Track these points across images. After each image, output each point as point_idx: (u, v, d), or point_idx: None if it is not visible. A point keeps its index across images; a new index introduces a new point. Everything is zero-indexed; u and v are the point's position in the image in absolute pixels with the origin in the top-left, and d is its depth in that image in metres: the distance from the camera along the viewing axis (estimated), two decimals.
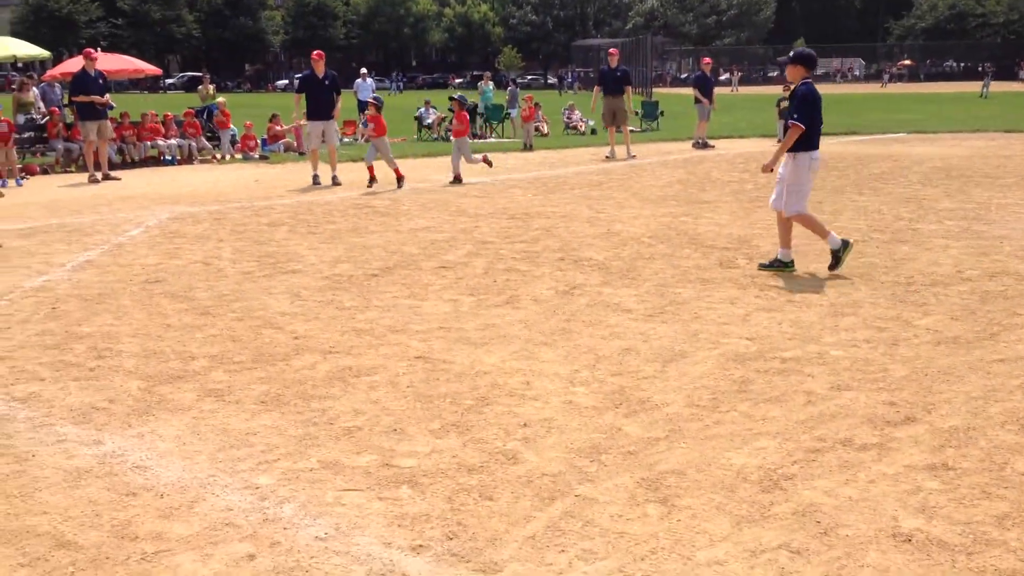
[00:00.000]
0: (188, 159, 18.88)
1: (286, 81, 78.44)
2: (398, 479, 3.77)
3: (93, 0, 74.17)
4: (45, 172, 16.70)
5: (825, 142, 9.00)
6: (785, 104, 20.35)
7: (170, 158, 18.60)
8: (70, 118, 17.31)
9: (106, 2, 75.16)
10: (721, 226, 9.90)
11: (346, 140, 21.68)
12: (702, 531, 3.30)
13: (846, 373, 5.03)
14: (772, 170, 7.76)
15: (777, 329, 5.92)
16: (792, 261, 7.71)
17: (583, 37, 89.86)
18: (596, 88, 18.78)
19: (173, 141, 19.04)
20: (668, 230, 9.68)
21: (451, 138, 15.57)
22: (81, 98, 15.49)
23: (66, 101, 18.79)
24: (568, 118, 27.68)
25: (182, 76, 78.51)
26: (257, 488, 3.69)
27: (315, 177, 14.24)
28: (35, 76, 23.37)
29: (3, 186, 14.56)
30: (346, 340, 5.80)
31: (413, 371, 5.17)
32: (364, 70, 28.67)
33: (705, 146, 20.18)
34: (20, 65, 31.37)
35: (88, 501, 3.57)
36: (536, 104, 23.07)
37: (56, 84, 21.42)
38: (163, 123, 19.15)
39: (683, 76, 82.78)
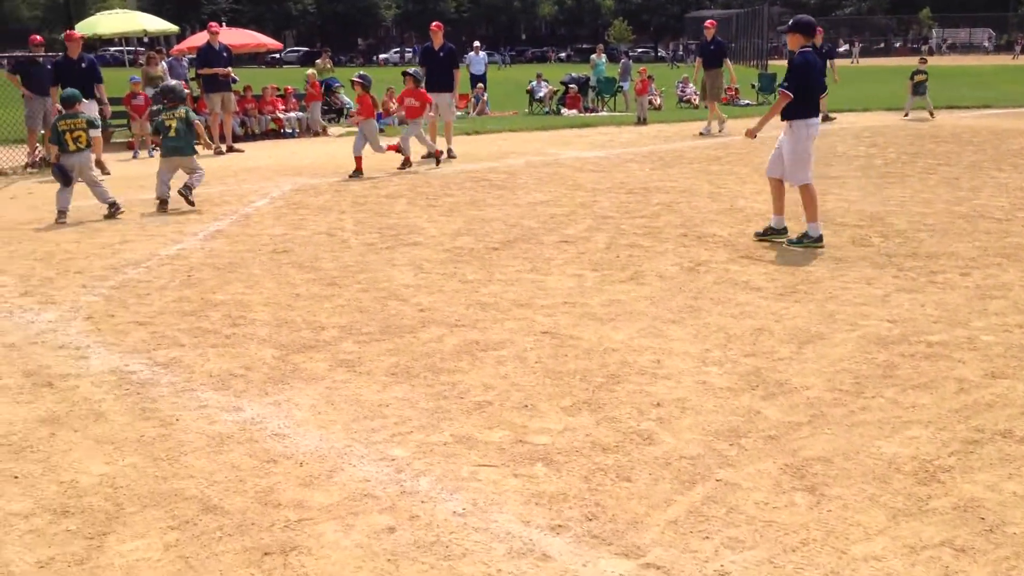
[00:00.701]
0: (307, 132, 19.26)
1: (396, 54, 79.10)
2: (532, 456, 3.72)
3: None
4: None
5: (956, 115, 8.52)
6: (920, 77, 19.52)
7: (290, 131, 19.02)
8: (196, 91, 17.84)
9: None
10: (850, 202, 9.51)
11: (458, 113, 21.75)
12: (855, 523, 3.14)
13: (1000, 360, 4.73)
14: (755, 136, 7.83)
15: (920, 312, 5.62)
16: (785, 228, 7.74)
17: (696, 8, 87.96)
18: (697, 61, 18.43)
19: (293, 114, 19.45)
20: (795, 206, 9.34)
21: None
22: (205, 71, 15.98)
23: (192, 75, 19.41)
24: (682, 91, 27.14)
25: (297, 50, 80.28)
26: (393, 460, 3.69)
27: (432, 150, 14.28)
28: (163, 51, 24.22)
29: (135, 157, 15.14)
30: (471, 314, 5.78)
31: (540, 346, 5.12)
32: (477, 43, 28.67)
33: (826, 119, 19.45)
34: (147, 40, 32.57)
35: (232, 467, 3.64)
36: (649, 77, 22.68)
37: (183, 58, 22.13)
38: (283, 96, 19.55)
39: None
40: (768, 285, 6.33)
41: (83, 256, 7.50)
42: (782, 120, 7.60)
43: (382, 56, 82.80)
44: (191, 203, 9.54)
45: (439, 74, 14.21)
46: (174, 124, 9.83)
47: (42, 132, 13.46)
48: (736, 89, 26.99)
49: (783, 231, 7.74)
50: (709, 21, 18.21)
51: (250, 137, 18.34)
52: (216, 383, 4.59)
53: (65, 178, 8.93)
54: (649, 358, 4.89)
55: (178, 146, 9.84)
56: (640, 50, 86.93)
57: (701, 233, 8.13)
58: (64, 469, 3.62)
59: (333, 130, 19.92)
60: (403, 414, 4.18)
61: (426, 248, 7.70)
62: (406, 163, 13.00)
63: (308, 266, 7.11)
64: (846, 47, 75.03)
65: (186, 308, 5.97)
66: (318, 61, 25.19)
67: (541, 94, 25.38)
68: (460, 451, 3.78)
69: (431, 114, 14.39)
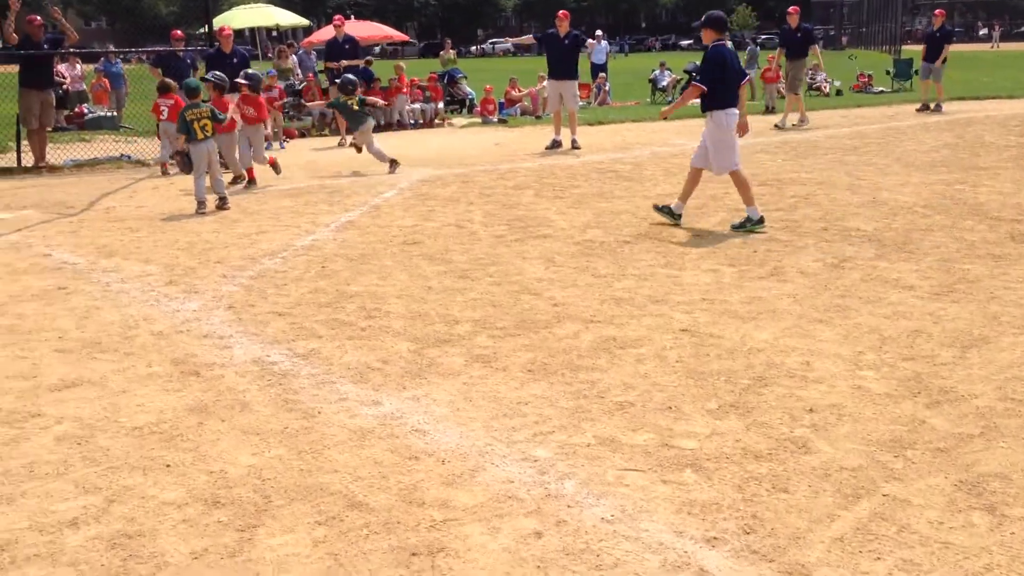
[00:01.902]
0: (429, 123, 19.43)
1: (507, 45, 78.85)
2: (680, 461, 3.57)
3: None
4: (302, 135, 17.67)
5: None
6: None
7: (413, 122, 19.23)
8: (325, 83, 18.21)
9: None
10: (1006, 195, 8.93)
11: (580, 103, 21.59)
12: None
13: None
14: (666, 118, 8.93)
15: None
16: (680, 216, 8.09)
17: None
18: (779, 50, 17.50)
19: (416, 105, 19.66)
20: (943, 199, 8.85)
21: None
22: (331, 64, 16.28)
23: (320, 67, 19.84)
24: (812, 79, 26.21)
25: (419, 43, 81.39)
26: (535, 461, 3.60)
27: (555, 140, 14.17)
28: (293, 44, 24.84)
29: (268, 148, 15.54)
30: (606, 309, 5.64)
31: (680, 345, 4.94)
32: (599, 32, 28.39)
33: (934, 108, 18.39)
34: (275, 34, 33.51)
35: (374, 462, 3.61)
36: (779, 64, 21.92)
37: (312, 51, 22.67)
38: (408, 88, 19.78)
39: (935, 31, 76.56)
40: (921, 283, 5.97)
41: (222, 246, 7.69)
42: (703, 112, 7.99)
43: (499, 46, 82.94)
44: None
45: (563, 62, 14.05)
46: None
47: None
48: (870, 76, 25.92)
49: (678, 217, 8.12)
50: (792, 7, 17.22)
51: (374, 128, 18.59)
52: (355, 376, 4.59)
53: (187, 166, 9.25)
54: (797, 360, 4.65)
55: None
56: (764, 36, 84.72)
57: (843, 227, 7.76)
58: (213, 459, 3.66)
59: (456, 120, 20.05)
60: (543, 413, 4.08)
61: (556, 241, 7.59)
62: (251, 181, 10.89)
63: (439, 258, 7.10)
64: (985, 31, 71.25)
65: (322, 299, 6.03)
66: (442, 52, 25.42)
67: (664, 83, 24.93)
68: (604, 453, 3.65)
69: (556, 105, 14.26)
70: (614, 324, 5.33)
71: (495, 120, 19.62)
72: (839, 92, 24.18)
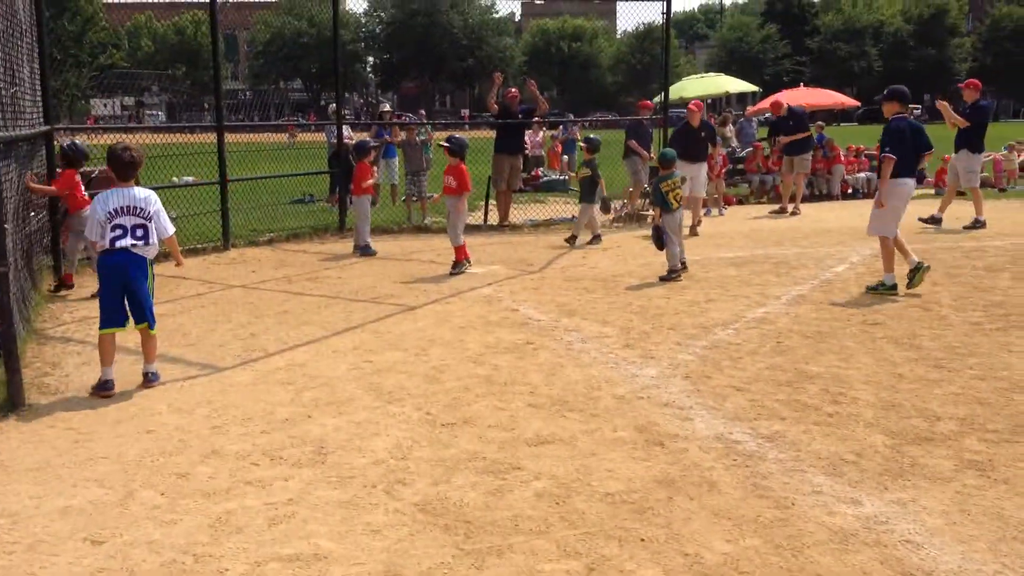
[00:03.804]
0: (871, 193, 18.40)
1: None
2: None
3: (783, 39, 77.99)
4: (740, 202, 17.61)
5: None
6: None
7: (855, 190, 18.36)
8: (768, 151, 18.04)
9: (795, 40, 78.43)
10: None
11: None
12: None
13: None
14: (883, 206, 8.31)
15: None
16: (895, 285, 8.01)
17: None
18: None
19: (862, 175, 18.76)
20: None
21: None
22: (782, 139, 15.98)
23: (762, 135, 19.73)
24: None
25: (859, 109, 78.25)
26: None
27: (976, 220, 12.56)
28: (731, 112, 25.05)
29: (707, 214, 15.67)
30: None
31: None
32: None
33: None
34: (708, 101, 34.01)
35: (862, 572, 3.28)
36: None
37: (753, 119, 22.63)
38: (856, 156, 18.97)
39: None
40: None
41: (672, 312, 7.76)
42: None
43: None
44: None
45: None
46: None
47: (630, 189, 14.64)
48: None
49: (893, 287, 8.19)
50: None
51: (815, 198, 18.00)
52: (826, 467, 4.28)
53: (660, 241, 9.33)
54: None
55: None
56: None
57: None
58: (687, 540, 3.57)
59: None
60: None
61: None
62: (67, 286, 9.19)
63: (906, 343, 6.52)
64: None
65: (780, 377, 5.78)
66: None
67: None
68: None
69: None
70: None
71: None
72: None
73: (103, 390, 5.67)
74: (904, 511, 3.78)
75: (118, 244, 5.74)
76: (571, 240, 11.99)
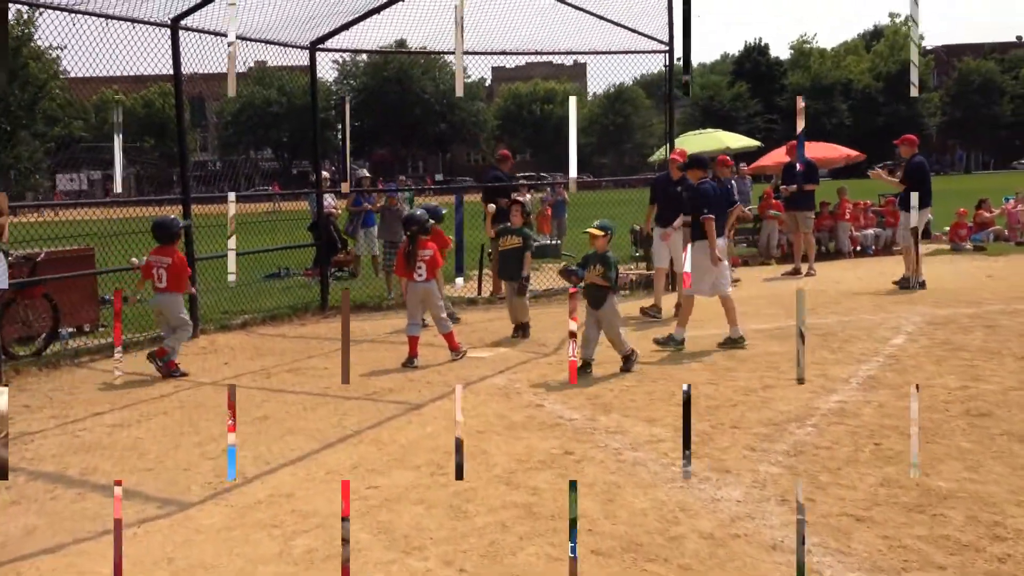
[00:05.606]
0: (884, 249, 17.46)
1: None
2: None
3: (753, 97, 78.36)
4: (745, 263, 16.52)
5: None
6: None
7: (863, 247, 17.44)
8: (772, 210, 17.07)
9: (765, 99, 78.79)
10: None
11: None
12: None
13: None
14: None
15: None
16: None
17: None
18: None
19: (870, 231, 17.81)
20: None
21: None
22: (783, 189, 15.11)
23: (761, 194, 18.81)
24: None
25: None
26: None
27: None
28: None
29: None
30: None
31: None
32: None
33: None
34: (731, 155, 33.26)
35: None
36: None
37: (747, 178, 21.67)
38: (863, 211, 18.07)
39: None
40: None
41: (727, 403, 6.53)
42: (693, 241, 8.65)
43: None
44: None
45: None
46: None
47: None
48: None
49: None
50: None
51: (823, 256, 16.97)
52: None
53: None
54: None
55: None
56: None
57: None
58: None
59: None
60: None
61: None
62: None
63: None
64: None
65: (903, 499, 4.54)
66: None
67: None
68: None
69: None
70: None
71: (967, 247, 17.06)
72: None
73: None
74: None
75: None
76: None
